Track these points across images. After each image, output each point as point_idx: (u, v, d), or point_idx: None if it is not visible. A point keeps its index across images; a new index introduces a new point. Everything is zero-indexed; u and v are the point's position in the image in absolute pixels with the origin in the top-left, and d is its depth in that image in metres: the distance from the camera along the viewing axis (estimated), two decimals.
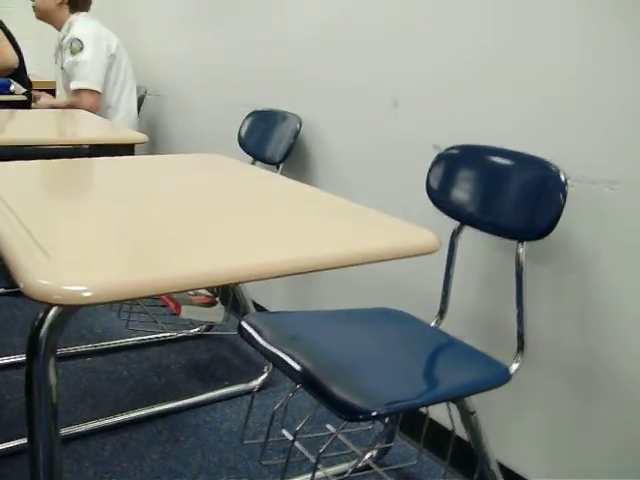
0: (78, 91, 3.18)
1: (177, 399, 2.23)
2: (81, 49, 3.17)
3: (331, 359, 1.43)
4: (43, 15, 3.39)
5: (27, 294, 0.75)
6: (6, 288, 2.98)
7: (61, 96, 3.44)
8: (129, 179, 1.43)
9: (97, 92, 3.18)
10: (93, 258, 0.88)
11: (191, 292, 2.48)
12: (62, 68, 3.30)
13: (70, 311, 0.84)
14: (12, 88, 3.57)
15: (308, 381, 1.33)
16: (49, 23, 3.42)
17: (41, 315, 0.83)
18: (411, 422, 1.99)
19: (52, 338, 0.84)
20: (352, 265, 0.98)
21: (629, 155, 1.45)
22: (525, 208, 1.52)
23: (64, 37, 3.29)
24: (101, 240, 0.97)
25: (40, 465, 0.90)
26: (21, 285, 0.76)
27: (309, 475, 1.86)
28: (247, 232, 1.05)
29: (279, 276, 0.92)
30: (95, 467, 1.88)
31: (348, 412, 1.25)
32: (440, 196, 1.69)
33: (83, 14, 3.33)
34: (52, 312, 0.82)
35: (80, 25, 3.25)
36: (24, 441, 1.91)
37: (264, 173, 1.53)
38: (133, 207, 1.18)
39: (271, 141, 2.44)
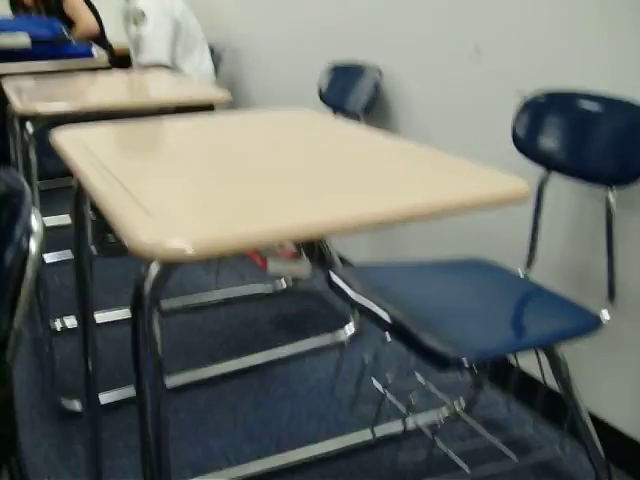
0: (147, 65, 3.19)
1: (267, 352, 2.28)
2: (144, 21, 3.14)
3: (420, 309, 1.44)
4: None
5: (132, 251, 0.78)
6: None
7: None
8: (216, 137, 1.45)
9: (165, 66, 3.18)
10: (190, 215, 0.91)
11: (277, 246, 2.51)
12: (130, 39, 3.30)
13: (172, 267, 0.87)
14: (95, 53, 3.65)
15: (398, 330, 1.35)
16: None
17: (144, 271, 0.86)
18: (500, 372, 1.99)
19: (155, 293, 0.87)
20: (441, 216, 0.99)
21: None
22: (615, 153, 1.48)
23: (128, 7, 3.28)
24: (196, 197, 1.00)
25: (148, 414, 0.95)
26: (126, 243, 0.79)
27: (400, 424, 1.88)
28: (334, 185, 1.06)
29: (366, 229, 0.93)
30: (190, 418, 1.96)
31: (438, 361, 1.27)
32: (527, 143, 1.66)
33: None
34: (155, 268, 0.85)
35: None
36: (124, 392, 2.01)
37: (349, 125, 1.53)
38: (223, 163, 1.20)
39: (352, 93, 2.43)
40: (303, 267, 2.51)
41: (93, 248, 1.60)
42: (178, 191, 1.03)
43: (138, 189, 1.00)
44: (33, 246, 0.88)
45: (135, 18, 3.15)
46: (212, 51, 3.54)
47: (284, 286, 2.78)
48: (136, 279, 0.87)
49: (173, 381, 2.11)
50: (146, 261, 0.86)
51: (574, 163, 1.58)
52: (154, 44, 3.15)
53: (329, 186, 1.05)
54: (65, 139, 1.34)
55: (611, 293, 1.52)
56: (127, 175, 1.09)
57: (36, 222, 0.90)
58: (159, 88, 2.62)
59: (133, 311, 0.89)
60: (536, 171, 1.65)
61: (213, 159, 1.24)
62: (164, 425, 0.96)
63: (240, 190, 1.03)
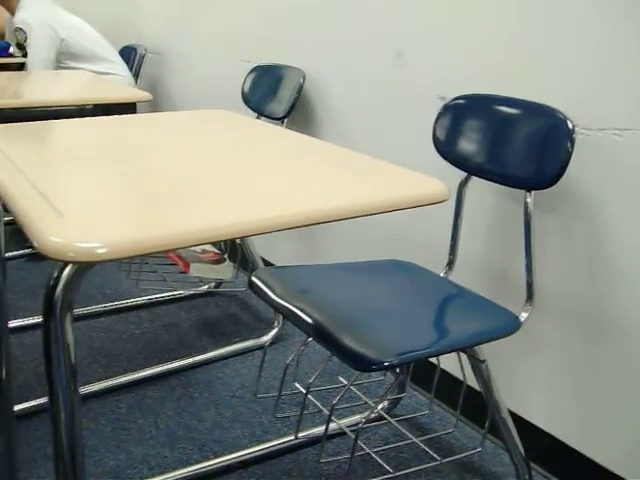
0: None
1: (189, 356, 2.25)
2: (25, 39, 3.07)
3: (342, 311, 1.44)
4: None
5: (42, 253, 0.75)
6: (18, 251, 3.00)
7: None
8: (135, 136, 1.42)
9: None
10: (104, 215, 0.89)
11: (199, 250, 2.49)
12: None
13: (85, 269, 0.84)
14: (11, 50, 3.56)
15: (320, 333, 1.35)
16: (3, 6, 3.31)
17: (56, 274, 0.84)
18: (422, 373, 2.01)
19: (68, 296, 0.84)
20: (361, 216, 0.98)
21: (639, 101, 1.44)
22: (533, 157, 1.51)
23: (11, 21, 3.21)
24: (110, 197, 0.97)
25: (62, 423, 0.91)
26: (35, 244, 0.76)
27: (323, 427, 1.88)
28: (255, 186, 1.05)
29: (287, 229, 0.92)
30: (112, 424, 1.91)
31: (360, 363, 1.27)
32: (447, 147, 1.68)
33: None
34: (67, 270, 0.83)
35: (25, 9, 3.14)
36: (41, 401, 1.95)
37: (270, 127, 1.52)
38: (140, 164, 1.18)
39: (275, 96, 2.42)
40: (226, 270, 2.49)
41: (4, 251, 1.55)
42: (93, 192, 1.00)
43: (51, 190, 0.97)
44: None
45: (17, 35, 3.09)
46: (134, 53, 3.49)
47: (206, 289, 2.76)
48: (47, 283, 0.84)
49: (93, 387, 2.06)
50: (59, 263, 0.83)
51: (493, 166, 1.60)
52: (34, 59, 3.08)
53: (248, 187, 1.04)
54: None
55: (529, 294, 1.55)
56: (40, 176, 1.05)
57: None
58: (78, 87, 2.56)
59: (45, 315, 0.86)
60: (458, 174, 1.67)
61: (131, 159, 1.21)
62: (78, 433, 0.93)
63: (157, 191, 1.01)
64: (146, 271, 2.56)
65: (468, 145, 1.64)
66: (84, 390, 2.04)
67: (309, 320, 1.38)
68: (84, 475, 0.98)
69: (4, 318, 1.51)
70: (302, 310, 1.40)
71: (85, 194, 0.98)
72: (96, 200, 0.95)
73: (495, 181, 1.61)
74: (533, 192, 1.52)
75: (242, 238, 2.28)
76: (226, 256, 2.53)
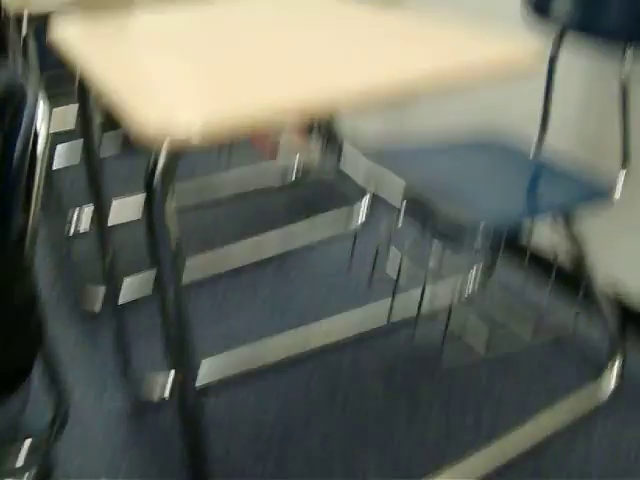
0: None
1: (282, 242, 2.30)
2: None
3: (436, 182, 1.41)
4: None
5: (139, 136, 0.77)
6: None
7: None
8: (218, 20, 1.42)
9: None
10: (196, 96, 0.90)
11: (288, 133, 2.47)
12: None
13: (180, 153, 0.86)
14: None
15: (414, 199, 1.32)
16: None
17: (153, 159, 0.86)
18: (513, 254, 1.99)
19: (167, 181, 0.86)
20: (454, 87, 0.97)
21: None
22: (633, 5, 1.42)
23: None
24: (200, 81, 0.98)
25: (170, 303, 0.96)
26: (133, 129, 0.78)
27: (417, 297, 1.91)
28: (343, 61, 1.04)
29: (376, 102, 0.92)
30: (211, 301, 1.99)
31: (456, 226, 1.25)
32: (538, 2, 1.60)
33: None
34: (163, 154, 0.85)
35: None
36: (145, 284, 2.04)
37: (354, 4, 1.48)
38: (227, 46, 1.17)
39: None
40: (314, 153, 2.49)
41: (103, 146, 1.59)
42: (181, 78, 1.01)
43: (143, 79, 0.98)
44: (43, 130, 0.88)
45: None
46: None
47: (295, 176, 2.77)
48: (145, 171, 0.87)
49: (190, 270, 2.14)
50: (156, 146, 0.86)
51: (590, 20, 1.51)
52: None
53: (336, 62, 1.03)
54: (63, 34, 1.31)
55: (625, 161, 1.50)
56: (131, 66, 1.07)
57: (44, 108, 0.90)
58: None
59: (146, 199, 0.89)
60: (548, 42, 1.60)
61: (218, 42, 1.21)
62: (184, 304, 0.97)
63: (246, 70, 1.01)
64: (235, 157, 2.57)
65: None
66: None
67: (402, 184, 1.36)
68: (192, 340, 1.03)
69: (105, 208, 1.56)
70: (396, 184, 1.39)
71: (176, 80, 0.99)
72: (184, 85, 0.96)
73: (593, 35, 1.51)
74: (633, 48, 1.43)
75: (332, 117, 2.26)
76: (314, 136, 2.51)
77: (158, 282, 0.95)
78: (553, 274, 1.67)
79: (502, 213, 1.28)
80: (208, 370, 1.71)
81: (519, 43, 1.05)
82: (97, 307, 2.00)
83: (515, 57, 1.01)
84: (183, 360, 1.03)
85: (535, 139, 1.68)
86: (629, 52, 1.44)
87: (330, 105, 0.87)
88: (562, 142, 1.80)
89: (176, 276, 0.95)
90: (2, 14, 2.17)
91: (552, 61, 1.62)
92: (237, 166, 2.80)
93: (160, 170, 0.86)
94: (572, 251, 1.53)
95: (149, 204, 0.88)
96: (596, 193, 1.43)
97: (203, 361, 1.72)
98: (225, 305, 1.97)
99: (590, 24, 1.51)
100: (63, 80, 1.64)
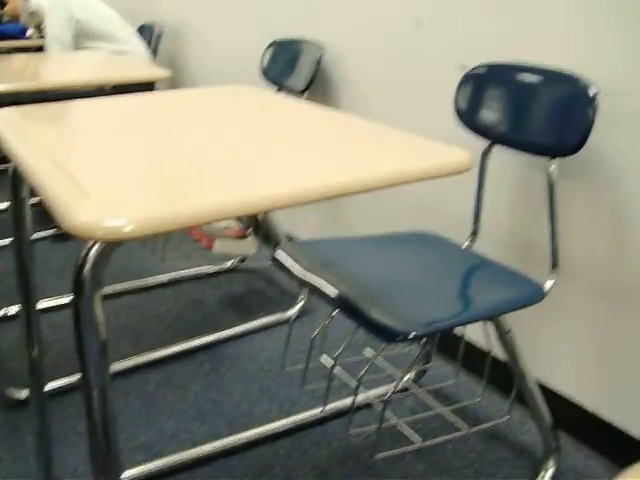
0: None
1: (215, 332, 2.27)
2: (41, 22, 3.10)
3: (367, 283, 1.44)
4: None
5: (70, 232, 0.76)
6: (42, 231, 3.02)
7: None
8: (156, 114, 1.43)
9: None
10: (129, 193, 0.89)
11: (222, 226, 2.50)
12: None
13: (112, 247, 0.85)
14: (29, 33, 3.57)
15: (345, 305, 1.35)
16: None
17: (84, 253, 0.84)
18: (447, 344, 2.01)
19: (97, 274, 0.85)
20: (385, 187, 0.98)
21: None
22: (555, 124, 1.50)
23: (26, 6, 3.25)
24: (134, 175, 0.98)
25: (94, 399, 0.93)
26: (63, 224, 0.77)
27: (350, 399, 1.90)
28: (278, 159, 1.05)
29: (310, 202, 0.92)
30: (141, 401, 1.94)
31: (386, 334, 1.27)
32: (469, 116, 1.67)
33: None
34: (95, 248, 0.83)
35: None
36: (72, 379, 1.98)
37: (291, 101, 1.52)
38: (163, 141, 1.18)
39: (294, 70, 2.42)
40: (249, 245, 2.50)
41: (34, 233, 1.56)
42: (117, 169, 1.01)
43: (76, 169, 0.97)
44: None
45: (33, 18, 3.12)
46: (151, 31, 3.49)
47: (230, 265, 2.77)
48: (76, 260, 0.85)
49: (121, 365, 2.09)
50: (86, 242, 0.84)
51: (516, 134, 1.59)
52: (51, 42, 3.11)
53: (271, 160, 1.04)
54: (0, 121, 1.30)
55: (554, 262, 1.54)
56: (64, 156, 1.06)
57: None
58: (95, 68, 2.56)
59: (75, 292, 0.87)
60: (479, 144, 1.66)
61: (153, 136, 1.22)
62: (110, 409, 0.94)
63: (181, 167, 1.01)
64: (170, 249, 2.58)
65: (490, 114, 1.63)
66: (113, 368, 2.06)
67: (334, 292, 1.38)
68: (118, 450, 0.99)
69: (33, 299, 1.53)
70: (327, 283, 1.41)
71: (109, 172, 0.99)
72: (120, 178, 0.96)
73: (518, 149, 1.60)
74: (557, 160, 1.51)
75: (265, 212, 2.28)
76: (249, 231, 2.54)
77: (84, 381, 0.92)
78: (487, 366, 1.69)
79: (433, 321, 1.30)
80: None
81: (451, 150, 1.08)
82: (22, 394, 1.93)
83: (448, 162, 1.03)
84: (107, 472, 0.99)
85: (469, 234, 1.72)
86: (553, 164, 1.52)
87: (262, 204, 0.88)
88: (493, 241, 1.85)
89: (102, 378, 0.92)
90: None
91: (482, 166, 1.68)
92: (172, 252, 2.79)
93: (90, 263, 0.85)
94: (504, 345, 1.54)
95: (77, 299, 0.86)
96: (528, 294, 1.46)
97: (127, 471, 1.65)
98: (155, 407, 1.91)
99: (516, 140, 1.60)
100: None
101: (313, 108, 1.45)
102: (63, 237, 2.94)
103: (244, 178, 0.95)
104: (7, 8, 3.74)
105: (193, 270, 2.71)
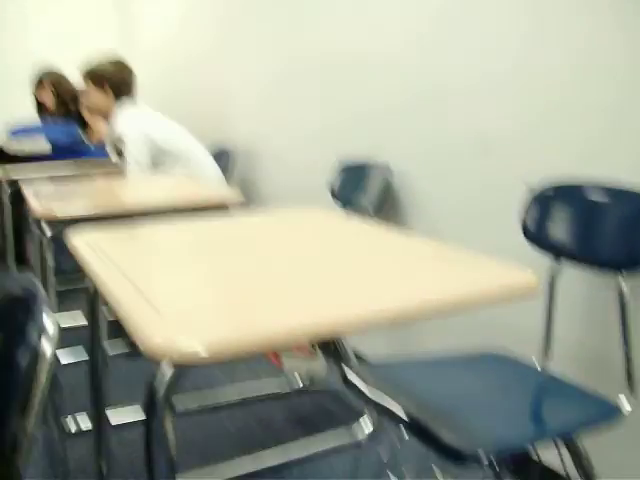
0: None
1: (284, 453, 2.24)
2: (124, 149, 3.28)
3: (436, 404, 1.42)
4: (94, 112, 3.56)
5: (146, 354, 0.79)
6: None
7: None
8: (230, 237, 1.47)
9: None
10: (203, 315, 0.92)
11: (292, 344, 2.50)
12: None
13: (185, 369, 0.87)
14: (114, 159, 3.75)
15: (414, 426, 1.33)
16: (103, 118, 3.56)
17: (157, 375, 0.87)
18: (521, 467, 1.94)
19: (169, 395, 0.87)
20: (454, 313, 0.99)
21: None
22: (623, 240, 1.51)
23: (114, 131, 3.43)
24: (208, 297, 1.01)
25: None
26: (140, 345, 0.80)
27: None
28: (349, 283, 1.07)
29: (378, 329, 0.93)
30: None
31: (455, 455, 1.24)
32: (537, 235, 1.68)
33: (127, 104, 3.42)
34: (168, 370, 0.85)
35: (123, 120, 3.35)
36: None
37: (361, 223, 1.55)
38: (236, 264, 1.22)
39: (363, 191, 2.48)
40: (319, 365, 2.50)
41: (108, 348, 1.60)
42: (192, 291, 1.04)
43: (152, 291, 1.01)
44: (47, 348, 0.88)
45: (117, 146, 3.29)
46: (225, 154, 3.63)
47: (300, 385, 2.75)
48: (149, 381, 0.87)
49: None
50: (159, 363, 0.86)
51: (584, 251, 1.59)
52: (132, 166, 3.26)
53: (343, 284, 1.06)
54: (81, 242, 1.36)
55: (630, 381, 1.49)
56: (141, 277, 1.10)
57: (50, 324, 0.91)
58: (173, 190, 2.67)
59: (146, 412, 0.89)
60: (545, 260, 1.65)
61: (227, 259, 1.26)
62: None
63: (254, 289, 1.04)
64: (239, 364, 2.58)
65: (558, 232, 1.64)
66: None
67: (402, 414, 1.37)
68: None
69: (104, 412, 1.55)
70: (396, 403, 1.39)
71: (185, 294, 1.02)
72: (196, 300, 0.99)
73: (587, 265, 1.59)
74: (625, 274, 1.50)
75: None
76: (318, 350, 2.54)
77: None
78: None
79: (502, 439, 1.27)
80: None
81: (519, 270, 1.08)
82: None
83: (516, 283, 1.04)
84: None
85: (539, 352, 1.69)
86: (622, 279, 1.51)
87: (334, 329, 0.89)
88: (565, 359, 1.80)
89: None
90: (24, 218, 2.27)
91: (552, 283, 1.67)
92: (242, 372, 2.80)
93: (163, 385, 0.87)
94: (579, 468, 1.48)
95: (149, 419, 0.87)
96: (603, 414, 1.41)
97: None
98: None
99: (584, 256, 1.60)
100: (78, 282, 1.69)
101: (381, 230, 1.48)
102: (137, 353, 2.98)
103: (315, 301, 0.97)
104: (93, 135, 3.95)
105: (262, 388, 2.70)
